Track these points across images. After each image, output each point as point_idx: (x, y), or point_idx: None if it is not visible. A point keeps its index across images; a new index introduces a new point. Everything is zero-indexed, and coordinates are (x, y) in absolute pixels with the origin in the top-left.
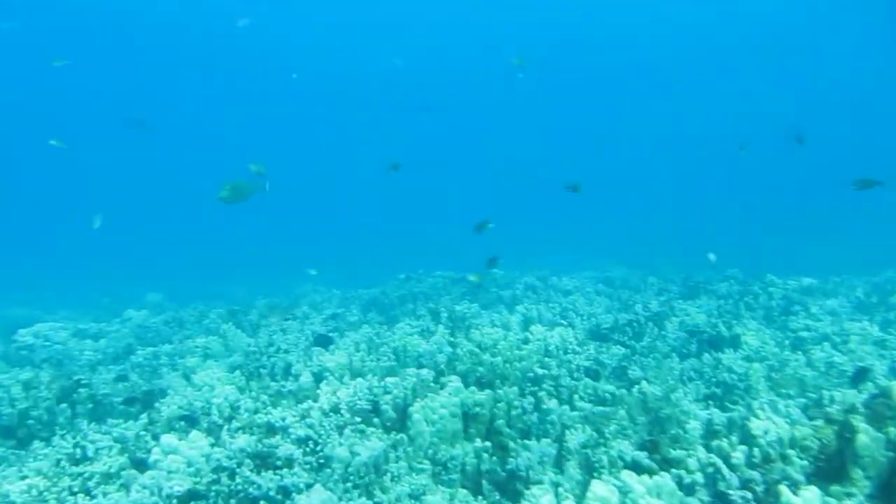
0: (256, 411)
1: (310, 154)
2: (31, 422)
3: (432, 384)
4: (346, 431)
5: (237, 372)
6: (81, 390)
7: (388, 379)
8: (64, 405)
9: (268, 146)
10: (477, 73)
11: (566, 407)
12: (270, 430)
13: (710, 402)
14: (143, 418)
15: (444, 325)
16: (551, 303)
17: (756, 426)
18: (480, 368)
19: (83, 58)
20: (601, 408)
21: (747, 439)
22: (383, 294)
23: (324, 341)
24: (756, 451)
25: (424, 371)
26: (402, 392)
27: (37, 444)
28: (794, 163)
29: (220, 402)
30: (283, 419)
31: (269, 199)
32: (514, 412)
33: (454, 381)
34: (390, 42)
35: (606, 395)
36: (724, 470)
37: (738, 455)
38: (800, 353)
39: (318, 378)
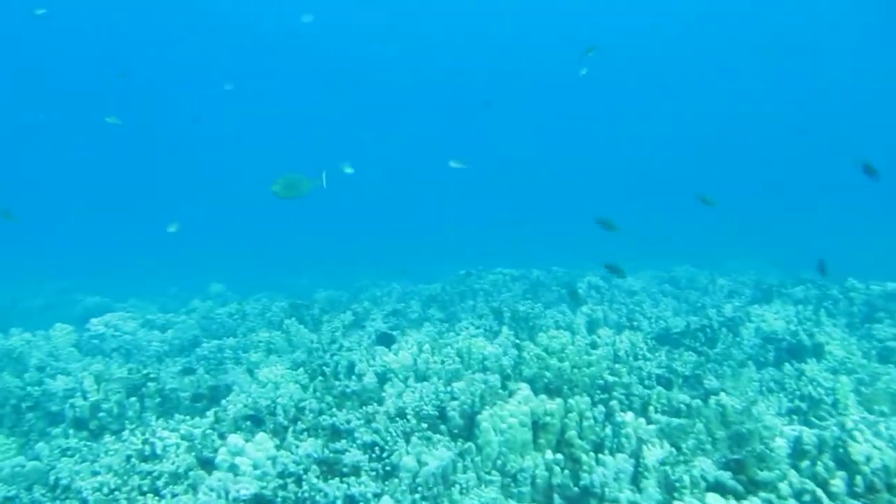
0: (321, 412)
1: (372, 150)
2: (102, 414)
3: (500, 391)
4: (413, 438)
5: (301, 370)
6: (150, 384)
7: (455, 384)
8: (133, 399)
9: (333, 141)
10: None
11: (642, 420)
12: (335, 432)
13: (795, 418)
14: (210, 416)
15: (507, 324)
16: (616, 304)
17: (857, 451)
18: (547, 374)
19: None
20: (677, 420)
21: (844, 463)
22: (443, 290)
23: (387, 340)
24: (858, 479)
25: (492, 377)
26: (470, 399)
27: (107, 437)
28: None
29: (286, 401)
30: (349, 422)
31: (333, 192)
32: (585, 423)
33: (523, 389)
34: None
35: (682, 406)
36: (826, 501)
37: (838, 483)
38: (890, 365)
39: (382, 379)
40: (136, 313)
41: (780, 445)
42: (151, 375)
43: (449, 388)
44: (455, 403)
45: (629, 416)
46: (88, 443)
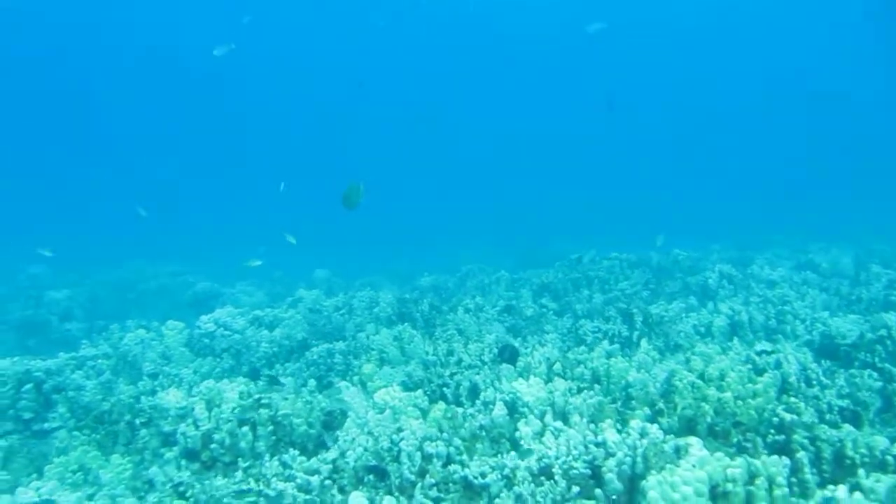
0: (449, 460)
1: (483, 135)
2: (213, 445)
3: (664, 447)
4: None
5: (419, 392)
6: (262, 411)
7: (608, 434)
8: (245, 428)
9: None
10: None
11: (858, 495)
12: (468, 488)
13: None
14: (328, 459)
15: (639, 330)
16: (753, 296)
17: None
18: (705, 405)
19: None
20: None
21: None
22: (555, 278)
23: (510, 355)
24: None
25: (652, 428)
26: (628, 456)
27: (219, 480)
28: None
29: (410, 447)
30: (483, 475)
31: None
32: (777, 492)
33: (695, 446)
34: None
35: (889, 458)
36: None
37: None
38: None
39: (512, 407)
40: (244, 299)
41: None
42: (263, 401)
43: (600, 438)
44: (612, 463)
45: (841, 492)
46: (200, 478)
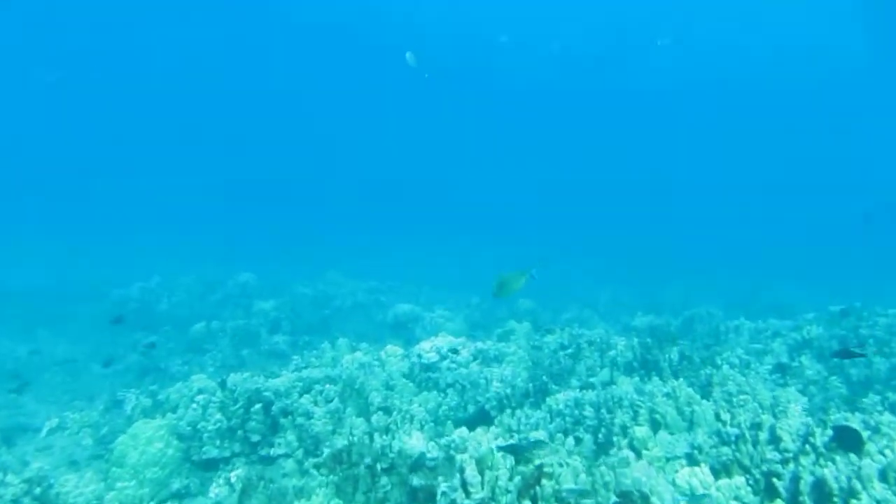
0: None
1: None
2: None
3: None
4: None
5: (736, 478)
6: (545, 483)
7: None
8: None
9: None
10: None
11: None
12: None
13: None
14: None
15: None
16: None
17: None
18: None
19: None
20: None
21: None
22: (816, 334)
23: (851, 441)
24: None
25: None
26: None
27: None
28: None
29: None
30: None
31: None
32: None
33: None
34: None
35: None
36: None
37: None
38: None
39: None
40: (445, 325)
41: None
42: (546, 469)
43: None
44: None
45: None
46: None
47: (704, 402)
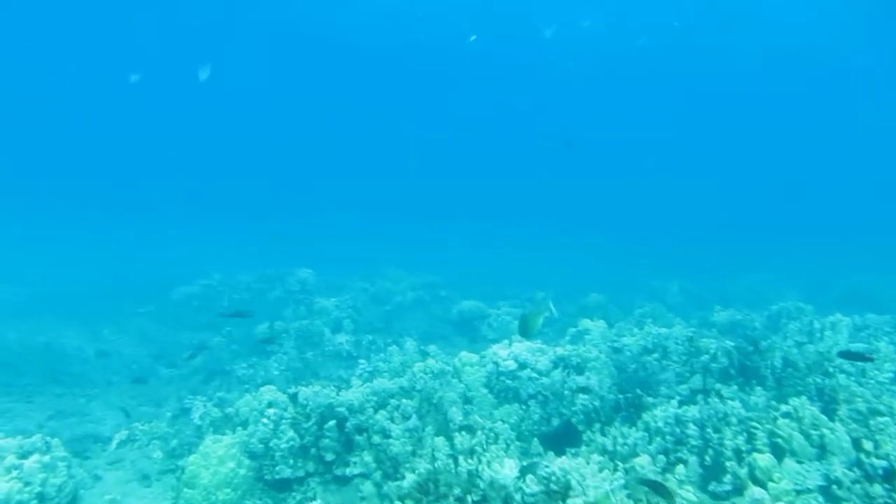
0: None
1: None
2: None
3: None
4: None
5: None
6: None
7: None
8: None
9: None
10: None
11: None
12: None
13: None
14: None
15: None
16: None
17: None
18: None
19: None
20: None
21: None
22: None
23: None
24: None
25: None
26: None
27: None
28: None
29: None
30: None
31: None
32: None
33: None
34: None
35: None
36: None
37: None
38: None
39: None
40: (511, 323)
41: None
42: None
43: None
44: None
45: None
46: None
47: (834, 424)
